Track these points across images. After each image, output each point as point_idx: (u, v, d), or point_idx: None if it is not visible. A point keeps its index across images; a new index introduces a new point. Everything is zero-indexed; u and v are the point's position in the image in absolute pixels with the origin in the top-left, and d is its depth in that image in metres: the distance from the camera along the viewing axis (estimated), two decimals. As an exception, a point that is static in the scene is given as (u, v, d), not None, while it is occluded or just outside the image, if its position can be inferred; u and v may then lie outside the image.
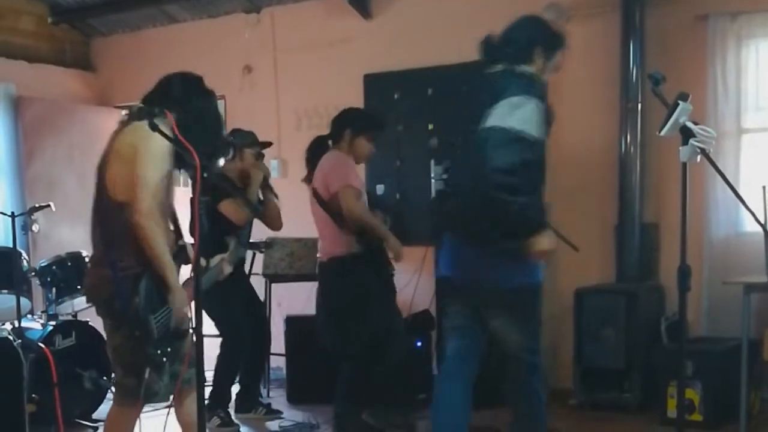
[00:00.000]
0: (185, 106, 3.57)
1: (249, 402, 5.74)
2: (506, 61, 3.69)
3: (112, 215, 3.44)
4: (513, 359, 3.80)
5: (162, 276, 3.39)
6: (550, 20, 5.97)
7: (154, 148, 3.34)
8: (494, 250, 3.57)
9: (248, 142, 5.52)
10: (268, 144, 5.70)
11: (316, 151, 5.16)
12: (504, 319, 3.73)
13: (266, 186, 5.57)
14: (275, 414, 5.70)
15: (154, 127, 3.12)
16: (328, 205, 4.91)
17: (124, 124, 3.59)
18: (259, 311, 5.84)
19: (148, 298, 3.39)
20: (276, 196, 5.60)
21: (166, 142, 3.22)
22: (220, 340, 5.56)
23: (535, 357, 3.81)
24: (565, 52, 3.83)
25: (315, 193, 4.99)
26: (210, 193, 5.11)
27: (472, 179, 3.54)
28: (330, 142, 5.11)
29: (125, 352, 3.51)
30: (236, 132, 5.72)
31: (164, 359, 3.45)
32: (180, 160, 3.37)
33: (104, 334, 5.53)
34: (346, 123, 5.05)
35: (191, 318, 3.41)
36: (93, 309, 5.83)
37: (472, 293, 3.76)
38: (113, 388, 3.83)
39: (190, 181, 3.03)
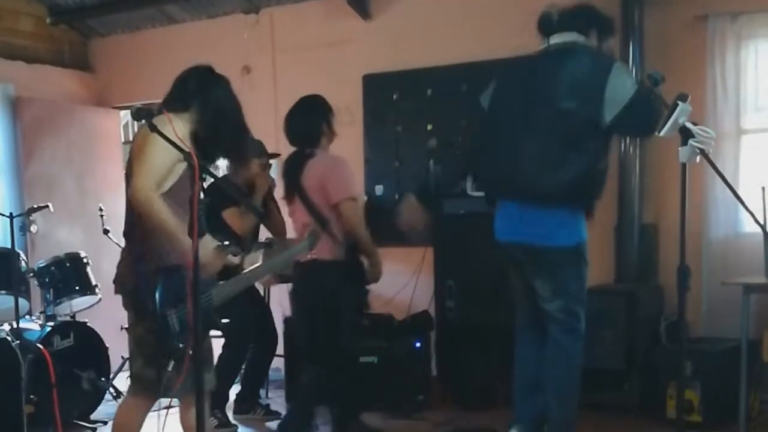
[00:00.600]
0: (203, 98, 3.59)
1: (248, 403, 5.74)
2: (566, 30, 3.98)
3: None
4: (551, 319, 4.02)
5: (170, 238, 3.31)
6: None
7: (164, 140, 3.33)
8: (556, 208, 3.87)
9: (255, 151, 5.49)
10: (276, 155, 5.66)
11: (297, 163, 4.83)
12: (546, 277, 3.98)
13: (270, 198, 5.56)
14: (274, 415, 5.69)
15: (153, 128, 3.12)
16: (316, 209, 4.70)
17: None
18: (264, 313, 5.82)
19: (166, 294, 3.37)
20: (278, 209, 5.55)
21: (180, 135, 3.25)
22: (222, 340, 5.56)
23: (575, 320, 4.03)
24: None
25: (302, 195, 4.73)
26: (214, 197, 5.10)
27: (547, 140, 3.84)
28: (308, 150, 4.83)
29: (147, 344, 3.50)
30: None
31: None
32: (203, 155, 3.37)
33: (103, 335, 5.62)
34: (319, 119, 4.87)
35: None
36: (92, 310, 5.93)
37: (520, 253, 3.97)
38: (130, 380, 3.82)
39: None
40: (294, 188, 4.80)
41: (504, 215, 4.05)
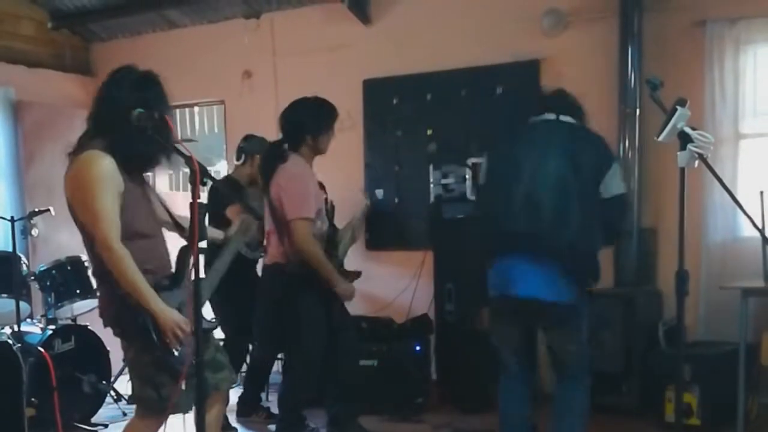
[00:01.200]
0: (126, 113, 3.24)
1: (250, 405, 5.75)
2: (560, 111, 4.08)
3: (89, 242, 3.33)
4: (568, 365, 4.18)
5: (142, 304, 3.21)
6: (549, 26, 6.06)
7: (96, 174, 3.27)
8: (562, 267, 3.90)
9: (259, 148, 5.54)
10: None
11: (272, 161, 4.79)
12: (562, 331, 4.10)
13: None
14: (275, 418, 5.70)
15: (153, 130, 3.14)
16: (277, 216, 4.69)
17: (72, 154, 3.48)
18: None
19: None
20: None
21: (107, 164, 3.20)
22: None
23: (587, 363, 4.25)
24: None
25: (269, 199, 4.73)
26: (217, 196, 5.23)
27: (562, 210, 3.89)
28: (286, 146, 4.80)
29: (141, 365, 3.42)
30: (249, 138, 5.78)
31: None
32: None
33: (103, 338, 5.63)
34: (303, 130, 4.76)
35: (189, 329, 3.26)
36: (93, 313, 5.92)
37: (530, 309, 3.99)
38: (133, 402, 3.68)
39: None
40: (264, 191, 4.80)
41: (511, 271, 3.99)
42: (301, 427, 5.04)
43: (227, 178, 5.52)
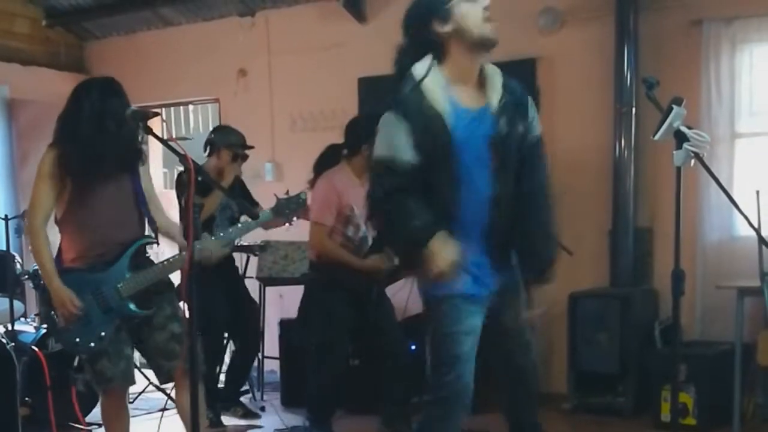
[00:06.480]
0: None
1: (228, 401, 5.71)
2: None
3: None
4: None
5: (44, 279, 3.72)
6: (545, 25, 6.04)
7: (39, 169, 3.78)
8: None
9: (227, 142, 5.47)
10: (250, 147, 5.62)
11: (327, 161, 5.00)
12: None
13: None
14: (252, 416, 5.68)
15: (149, 131, 3.23)
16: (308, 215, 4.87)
17: None
18: (248, 311, 5.75)
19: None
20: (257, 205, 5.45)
21: (48, 161, 3.74)
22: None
23: None
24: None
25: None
26: (179, 186, 5.26)
27: None
28: (345, 151, 4.93)
29: None
30: (218, 129, 5.68)
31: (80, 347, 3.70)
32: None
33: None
34: (364, 137, 4.59)
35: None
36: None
37: None
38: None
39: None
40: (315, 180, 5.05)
41: None
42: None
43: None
